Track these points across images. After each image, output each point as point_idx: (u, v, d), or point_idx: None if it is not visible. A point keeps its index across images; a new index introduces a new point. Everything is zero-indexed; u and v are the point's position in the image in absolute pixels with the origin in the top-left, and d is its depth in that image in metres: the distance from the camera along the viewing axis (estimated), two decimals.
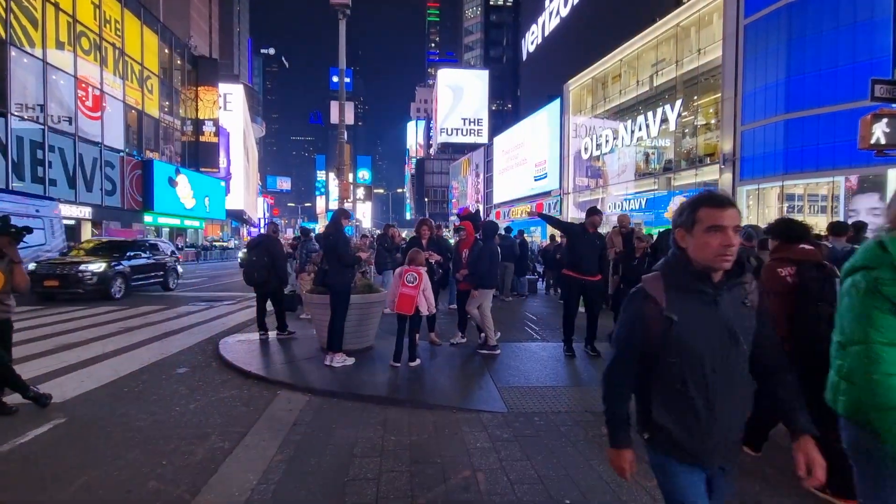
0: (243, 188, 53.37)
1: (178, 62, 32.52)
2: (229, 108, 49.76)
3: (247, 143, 57.50)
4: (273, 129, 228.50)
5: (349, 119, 10.92)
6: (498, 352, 5.33)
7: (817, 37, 16.36)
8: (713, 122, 21.55)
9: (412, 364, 4.77)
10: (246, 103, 56.57)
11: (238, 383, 4.39)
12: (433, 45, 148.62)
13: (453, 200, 64.51)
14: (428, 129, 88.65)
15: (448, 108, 68.18)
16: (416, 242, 5.66)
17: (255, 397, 4.00)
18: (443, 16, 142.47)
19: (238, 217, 53.44)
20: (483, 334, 5.43)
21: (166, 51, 30.29)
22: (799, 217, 17.16)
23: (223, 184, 41.54)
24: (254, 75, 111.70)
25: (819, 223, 16.52)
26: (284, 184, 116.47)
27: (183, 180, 30.21)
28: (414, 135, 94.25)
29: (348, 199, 10.50)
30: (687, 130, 23.09)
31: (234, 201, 47.58)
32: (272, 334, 6.07)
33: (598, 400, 1.52)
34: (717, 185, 20.39)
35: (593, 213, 5.75)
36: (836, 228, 4.31)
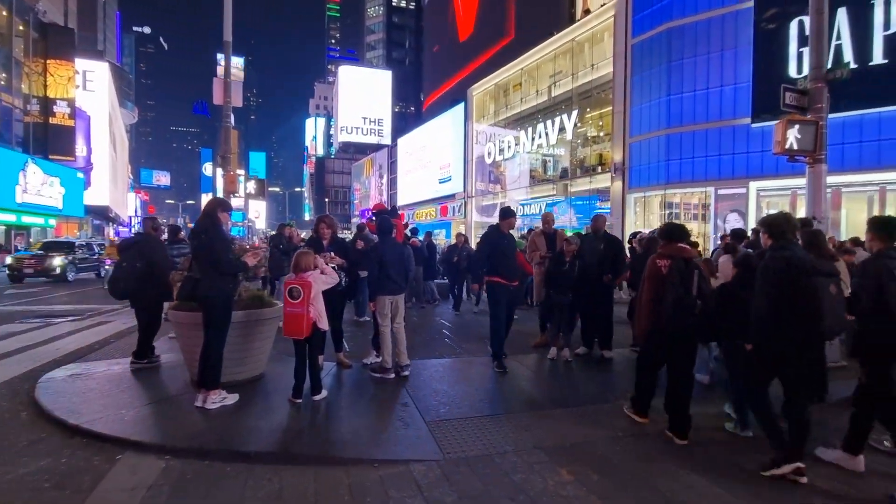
0: (109, 181, 46.07)
1: (20, 28, 26.91)
2: (90, 89, 42.63)
3: (114, 129, 49.92)
4: (149, 117, 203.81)
5: (236, 101, 9.40)
6: (391, 376, 4.53)
7: (693, 60, 18.12)
8: (605, 133, 23.05)
9: (316, 398, 3.81)
10: (113, 84, 49.06)
11: (56, 445, 3.06)
12: (333, 41, 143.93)
13: (356, 202, 62.48)
14: (328, 126, 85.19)
15: (350, 107, 65.96)
16: (316, 244, 4.64)
17: (80, 469, 2.75)
18: (343, 12, 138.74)
19: (102, 214, 46.06)
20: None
21: (3, 13, 24.86)
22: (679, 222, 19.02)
23: (81, 175, 35.34)
24: (124, 55, 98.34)
25: (695, 229, 18.47)
26: (163, 178, 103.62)
27: (35, 171, 25.02)
28: (313, 132, 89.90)
29: (235, 193, 8.99)
30: (581, 140, 24.45)
31: (96, 196, 40.71)
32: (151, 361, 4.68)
33: (547, 430, 0.86)
34: (608, 193, 21.79)
35: (509, 214, 5.28)
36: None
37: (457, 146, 34.54)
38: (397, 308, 4.65)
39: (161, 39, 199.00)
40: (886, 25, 14.39)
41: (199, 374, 3.57)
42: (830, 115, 14.78)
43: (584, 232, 6.41)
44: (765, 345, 2.84)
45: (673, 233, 3.50)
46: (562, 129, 23.95)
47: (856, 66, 14.77)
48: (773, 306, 2.75)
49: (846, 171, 15.42)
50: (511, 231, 5.51)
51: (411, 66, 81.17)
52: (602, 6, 22.14)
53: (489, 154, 30.51)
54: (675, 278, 3.22)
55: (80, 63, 38.52)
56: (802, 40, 15.66)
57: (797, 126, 5.23)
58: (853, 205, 15.97)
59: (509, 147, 28.30)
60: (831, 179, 15.89)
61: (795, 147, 5.28)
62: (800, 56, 15.71)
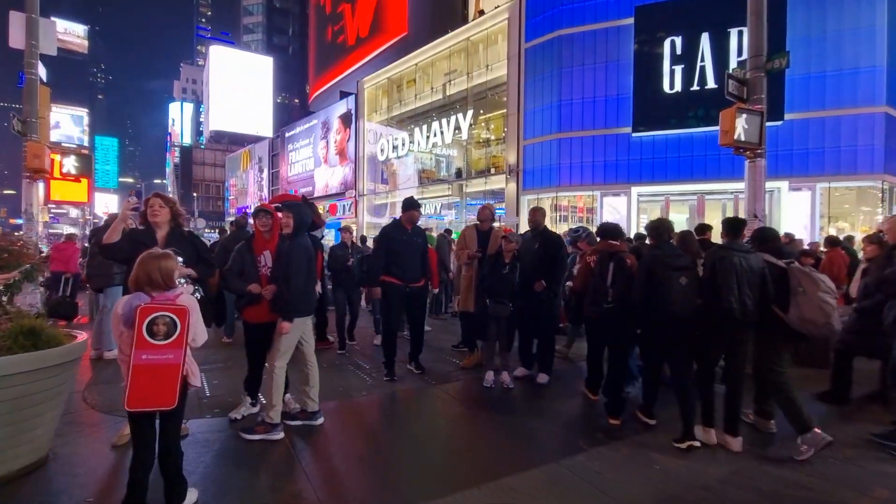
0: None
1: None
2: None
3: None
4: None
5: (47, 47, 6.94)
6: (279, 436, 3.17)
7: (581, 68, 18.83)
8: (499, 136, 23.18)
9: None
10: None
11: None
12: (204, 19, 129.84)
13: (230, 198, 56.30)
14: (197, 113, 76.07)
15: (224, 93, 59.51)
16: (142, 237, 3.01)
17: None
18: None
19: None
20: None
21: None
22: (564, 224, 19.74)
23: None
24: None
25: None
26: None
27: None
28: (179, 118, 79.61)
29: (41, 171, 6.55)
30: (477, 141, 24.34)
31: None
32: None
33: None
34: (503, 195, 21.89)
35: (411, 206, 4.55)
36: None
37: (347, 141, 32.54)
38: (308, 331, 3.45)
39: None
40: (739, 52, 16.24)
41: None
42: (695, 130, 15.94)
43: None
44: (643, 327, 3.58)
45: (606, 232, 4.02)
46: (457, 129, 23.53)
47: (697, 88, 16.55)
48: (643, 295, 3.41)
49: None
50: (415, 225, 4.75)
51: (294, 56, 76.15)
52: (496, 8, 22.18)
53: (382, 151, 29.10)
54: (598, 269, 3.87)
55: None
56: (675, 58, 17.07)
57: (745, 116, 4.93)
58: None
59: (403, 144, 27.22)
60: (696, 187, 17.73)
61: (743, 138, 4.97)
62: (672, 73, 17.08)
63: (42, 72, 6.91)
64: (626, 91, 17.94)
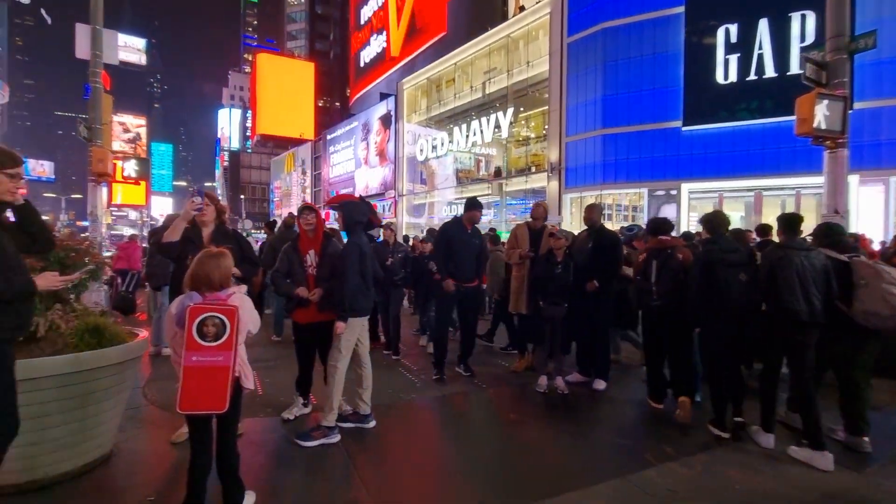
0: None
1: None
2: None
3: None
4: (27, 99, 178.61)
5: (110, 56, 7.27)
6: (336, 439, 3.11)
7: (627, 61, 18.16)
8: (539, 134, 22.76)
9: None
10: None
11: None
12: (251, 28, 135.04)
13: (276, 200, 58.22)
14: (244, 118, 79.16)
15: (270, 99, 61.65)
16: (189, 235, 3.01)
17: None
18: None
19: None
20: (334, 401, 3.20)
21: None
22: (609, 223, 19.06)
23: None
24: None
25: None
26: (43, 169, 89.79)
27: None
28: (228, 123, 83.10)
29: (107, 175, 6.87)
30: (517, 139, 23.99)
31: None
32: None
33: None
34: (545, 193, 21.45)
35: (474, 206, 4.50)
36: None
37: (387, 143, 32.91)
38: (364, 332, 3.38)
39: (42, 11, 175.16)
40: (802, 38, 15.16)
41: None
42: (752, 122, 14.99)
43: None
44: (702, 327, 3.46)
45: (657, 228, 3.91)
46: (497, 127, 23.26)
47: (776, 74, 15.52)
48: (700, 292, 3.32)
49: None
50: (475, 226, 4.69)
51: (335, 60, 77.83)
52: (537, 3, 21.76)
53: (421, 151, 29.20)
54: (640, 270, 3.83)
55: None
56: (730, 47, 16.16)
57: (826, 102, 4.51)
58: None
59: (442, 144, 27.19)
60: (752, 183, 16.71)
61: (823, 126, 4.55)
62: (726, 63, 16.18)
63: (101, 79, 7.23)
64: (675, 84, 17.15)
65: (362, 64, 41.66)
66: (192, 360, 1.96)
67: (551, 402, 3.90)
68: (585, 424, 3.49)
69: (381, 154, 33.86)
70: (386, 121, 33.20)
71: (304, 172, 49.26)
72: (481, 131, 24.04)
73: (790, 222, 3.22)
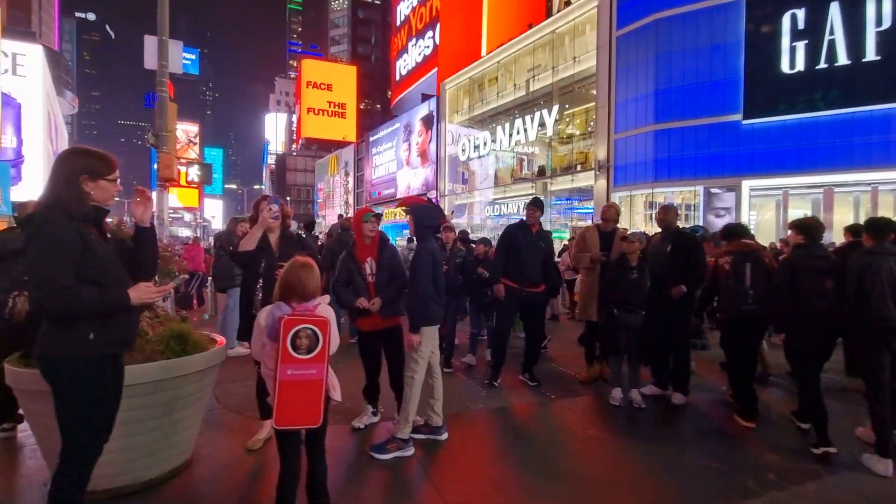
0: (43, 176, 41.83)
1: None
2: (21, 73, 38.69)
3: (52, 121, 45.42)
4: (94, 109, 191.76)
5: (175, 66, 7.53)
6: (410, 452, 3.02)
7: (681, 53, 17.33)
8: (583, 131, 22.14)
9: None
10: (48, 70, 44.64)
11: None
12: (295, 35, 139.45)
13: (319, 201, 59.73)
14: (290, 122, 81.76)
15: (314, 103, 63.30)
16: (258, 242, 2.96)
17: None
18: (306, 5, 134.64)
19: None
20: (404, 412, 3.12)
21: None
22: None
23: (11, 169, 31.69)
24: (64, 40, 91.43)
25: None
26: None
27: None
28: (274, 128, 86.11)
29: (173, 180, 7.13)
30: (562, 136, 23.45)
31: (28, 191, 36.73)
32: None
33: None
34: (592, 192, 20.84)
35: (533, 205, 4.37)
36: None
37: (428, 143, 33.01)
38: (436, 341, 3.29)
39: (107, 27, 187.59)
40: (878, 22, 13.95)
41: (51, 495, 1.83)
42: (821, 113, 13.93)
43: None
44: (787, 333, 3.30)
45: (731, 234, 3.92)
46: (542, 125, 22.80)
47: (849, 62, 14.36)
48: (784, 298, 3.23)
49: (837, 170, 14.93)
50: (542, 228, 4.57)
51: (377, 63, 79.04)
52: None
53: (463, 151, 29.08)
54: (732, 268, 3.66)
55: (9, 45, 34.69)
56: (796, 34, 15.11)
57: None
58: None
59: (485, 144, 26.96)
60: (821, 179, 15.53)
61: None
62: (793, 51, 15.14)
63: (167, 88, 7.50)
64: (734, 75, 16.23)
65: (403, 72, 41.92)
66: (288, 374, 1.89)
67: (629, 416, 3.65)
68: (671, 444, 3.22)
69: (423, 155, 34.00)
70: (428, 121, 33.30)
71: (346, 174, 50.25)
72: (525, 130, 23.63)
73: (877, 226, 3.13)
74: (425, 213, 3.28)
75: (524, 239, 4.30)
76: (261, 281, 2.90)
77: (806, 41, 14.88)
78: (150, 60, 7.37)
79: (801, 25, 14.98)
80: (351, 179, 49.24)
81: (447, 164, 31.45)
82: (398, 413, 3.20)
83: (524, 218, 4.45)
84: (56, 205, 1.65)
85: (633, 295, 3.73)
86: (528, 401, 3.94)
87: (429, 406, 3.21)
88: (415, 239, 3.39)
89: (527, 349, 4.47)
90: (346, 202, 48.67)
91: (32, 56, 42.00)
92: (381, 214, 3.47)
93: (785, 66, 15.22)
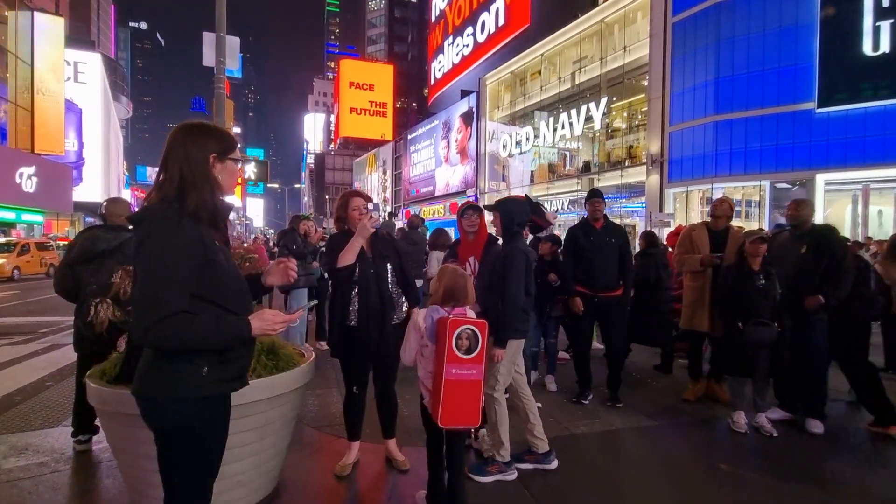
0: (102, 177, 44.11)
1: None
2: (82, 80, 40.94)
3: (109, 124, 47.84)
4: (146, 113, 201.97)
5: (231, 63, 7.43)
6: (513, 476, 2.65)
7: (745, 38, 16.18)
8: (638, 122, 21.14)
9: None
10: (106, 77, 46.97)
11: None
12: (333, 36, 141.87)
13: None
14: (328, 122, 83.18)
15: (352, 102, 64.07)
16: (342, 243, 2.61)
17: None
18: (343, 6, 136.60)
19: (94, 211, 44.11)
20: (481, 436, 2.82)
21: None
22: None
23: (73, 171, 33.66)
24: (119, 49, 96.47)
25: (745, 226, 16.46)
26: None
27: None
28: (313, 128, 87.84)
29: None
30: (610, 130, 22.52)
31: (88, 192, 38.77)
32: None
33: None
34: (644, 187, 19.86)
35: (596, 197, 3.97)
36: None
37: (468, 140, 32.57)
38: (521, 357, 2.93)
39: (158, 35, 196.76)
40: None
41: None
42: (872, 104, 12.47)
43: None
44: None
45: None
46: (588, 119, 21.92)
47: None
48: None
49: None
50: (609, 222, 4.06)
51: (413, 61, 79.21)
52: None
53: (504, 147, 28.44)
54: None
55: (71, 54, 36.61)
56: (880, 13, 13.77)
57: None
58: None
59: (527, 139, 26.25)
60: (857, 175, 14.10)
61: None
62: (876, 31, 13.80)
63: (224, 85, 7.38)
64: (806, 59, 14.98)
65: (438, 75, 40.96)
66: (453, 374, 1.95)
67: (761, 447, 3.12)
68: (826, 485, 2.69)
69: (462, 152, 33.59)
70: (467, 118, 32.87)
71: (384, 172, 50.52)
72: (570, 124, 22.78)
73: None
74: (516, 209, 2.87)
75: (588, 238, 3.86)
76: (356, 288, 2.58)
77: (892, 20, 13.53)
78: (208, 57, 7.27)
79: (885, 3, 13.62)
80: (389, 177, 49.46)
81: (487, 161, 30.92)
82: (486, 435, 2.86)
83: (586, 215, 4.00)
84: (181, 197, 1.28)
85: (763, 305, 3.20)
86: (632, 425, 3.46)
87: (527, 431, 2.82)
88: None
89: (608, 365, 3.96)
90: (385, 200, 48.91)
91: (92, 64, 44.32)
92: (478, 207, 3.09)
93: (867, 48, 13.91)
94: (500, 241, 3.00)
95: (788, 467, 2.86)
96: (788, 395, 3.45)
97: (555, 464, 2.75)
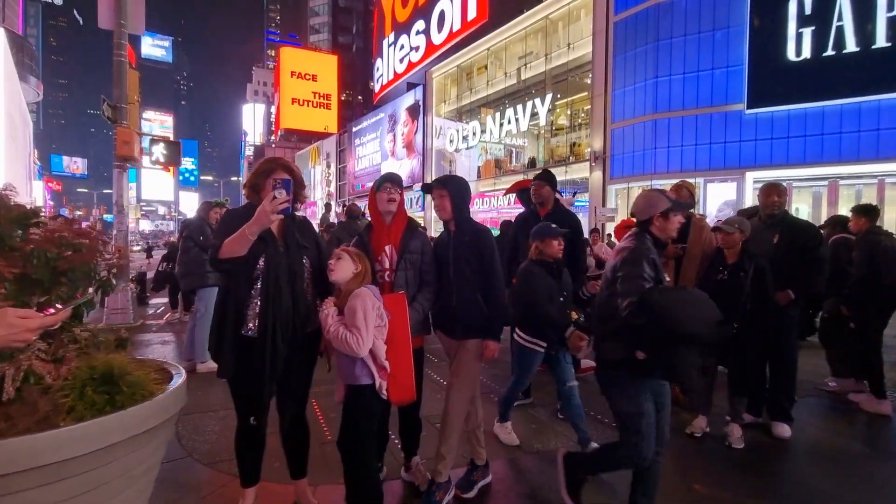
0: (5, 167, 39.15)
1: None
2: None
3: (14, 107, 42.56)
4: (61, 98, 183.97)
5: (135, 26, 6.41)
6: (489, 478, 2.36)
7: (682, 40, 16.70)
8: (582, 120, 21.44)
9: None
10: (10, 56, 41.81)
11: None
12: (273, 24, 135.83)
13: None
14: (269, 113, 79.38)
15: (294, 93, 61.36)
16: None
17: None
18: None
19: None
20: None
21: None
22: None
23: None
24: (28, 24, 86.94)
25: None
26: (77, 167, 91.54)
27: None
28: (252, 119, 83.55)
29: (131, 158, 6.02)
30: (555, 127, 22.71)
31: None
32: None
33: None
34: (587, 184, 20.16)
35: (543, 179, 3.66)
36: None
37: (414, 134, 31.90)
38: None
39: (75, 13, 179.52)
40: (890, 7, 13.48)
41: None
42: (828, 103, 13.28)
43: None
44: None
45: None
46: (534, 115, 21.95)
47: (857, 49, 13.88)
48: None
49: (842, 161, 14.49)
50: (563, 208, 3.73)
51: (358, 53, 77.26)
52: None
53: (451, 142, 28.04)
54: None
55: None
56: (803, 20, 14.58)
57: None
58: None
59: (474, 134, 26.00)
60: (826, 171, 15.11)
61: None
62: (799, 37, 14.62)
63: (125, 53, 6.36)
64: (738, 62, 15.66)
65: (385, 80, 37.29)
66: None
67: (728, 457, 2.81)
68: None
69: (409, 146, 32.89)
70: (414, 111, 32.18)
71: (328, 165, 48.78)
72: (516, 119, 22.71)
73: None
74: (464, 186, 2.56)
75: (525, 232, 3.37)
76: (258, 285, 1.95)
77: (813, 27, 14.37)
78: (105, 19, 6.21)
79: (808, 11, 14.46)
80: (333, 171, 47.80)
81: (434, 156, 30.41)
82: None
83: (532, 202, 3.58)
84: None
85: (724, 301, 2.88)
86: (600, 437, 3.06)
87: (474, 437, 2.37)
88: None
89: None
90: (329, 195, 47.20)
91: None
92: (399, 179, 2.52)
93: (791, 54, 14.71)
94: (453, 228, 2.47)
95: (769, 482, 2.55)
96: (754, 398, 3.18)
97: (490, 477, 2.32)
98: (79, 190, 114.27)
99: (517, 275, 2.82)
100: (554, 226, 2.81)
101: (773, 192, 3.18)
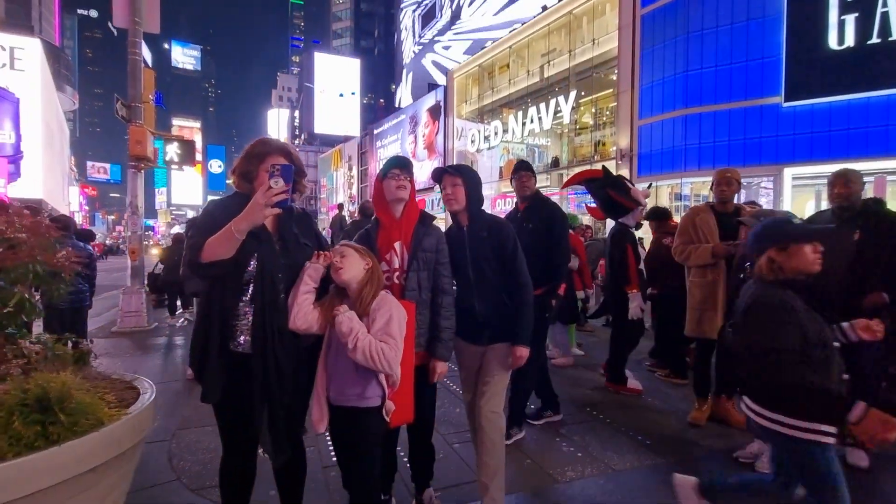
0: (43, 173, 40.70)
1: None
2: (19, 68, 37.68)
3: (52, 116, 44.31)
4: (96, 106, 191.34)
5: (151, 25, 6.32)
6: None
7: (714, 31, 15.97)
8: (606, 118, 20.81)
9: None
10: (48, 65, 43.42)
11: None
12: (297, 30, 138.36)
13: (322, 197, 58.55)
14: (292, 118, 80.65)
15: (323, 97, 62.21)
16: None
17: None
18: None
19: (34, 210, 40.61)
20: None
21: None
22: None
23: (9, 164, 30.81)
24: (65, 37, 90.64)
25: None
26: (104, 172, 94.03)
27: None
28: (276, 123, 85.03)
29: (146, 158, 5.91)
30: (579, 125, 22.12)
31: (27, 188, 35.60)
32: None
33: None
34: None
35: (522, 169, 3.57)
36: None
37: (437, 135, 31.72)
38: None
39: (110, 24, 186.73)
40: None
41: None
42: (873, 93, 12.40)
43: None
44: None
45: None
46: (557, 113, 21.43)
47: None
48: None
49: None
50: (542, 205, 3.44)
51: (380, 56, 77.86)
52: None
53: (473, 142, 27.69)
54: None
55: (7, 38, 33.67)
56: (844, 6, 13.72)
57: None
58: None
59: (496, 134, 25.59)
60: (872, 165, 14.12)
61: None
62: (841, 25, 13.75)
63: (143, 50, 6.26)
64: (773, 53, 14.85)
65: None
66: None
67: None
68: None
69: (430, 147, 32.71)
70: (435, 112, 32.00)
71: (350, 168, 49.06)
72: (539, 118, 22.23)
73: None
74: (478, 176, 2.35)
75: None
76: (251, 291, 1.67)
77: (856, 14, 13.50)
78: (120, 17, 6.12)
79: None
80: (355, 173, 48.03)
81: (455, 157, 30.13)
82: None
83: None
84: None
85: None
86: (634, 463, 2.68)
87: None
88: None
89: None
90: (351, 197, 47.45)
91: (30, 50, 40.87)
92: (409, 164, 2.20)
93: (832, 43, 13.85)
94: (459, 221, 2.17)
95: None
96: None
97: None
98: (112, 195, 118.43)
99: (747, 312, 1.78)
100: (798, 219, 1.98)
101: (836, 183, 2.74)
